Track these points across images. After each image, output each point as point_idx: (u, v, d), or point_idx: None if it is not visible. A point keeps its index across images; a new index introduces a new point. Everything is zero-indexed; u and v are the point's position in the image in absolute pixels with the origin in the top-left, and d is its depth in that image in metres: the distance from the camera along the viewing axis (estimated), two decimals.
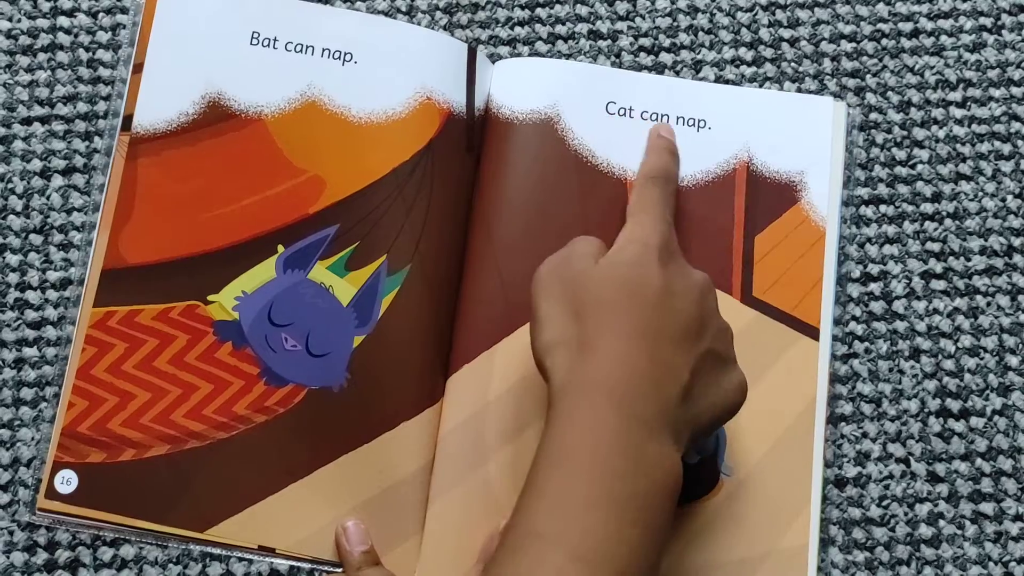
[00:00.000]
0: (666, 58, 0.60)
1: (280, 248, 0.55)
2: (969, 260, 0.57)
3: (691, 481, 0.50)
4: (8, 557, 0.53)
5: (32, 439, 0.54)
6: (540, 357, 0.47)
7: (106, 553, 0.53)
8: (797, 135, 0.58)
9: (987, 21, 0.61)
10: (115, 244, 0.55)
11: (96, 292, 0.54)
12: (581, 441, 0.44)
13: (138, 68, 0.57)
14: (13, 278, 0.57)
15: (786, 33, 0.61)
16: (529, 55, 0.60)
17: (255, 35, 0.57)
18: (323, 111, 0.57)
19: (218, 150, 0.56)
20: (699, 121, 0.58)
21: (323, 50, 0.57)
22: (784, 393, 0.54)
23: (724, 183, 0.57)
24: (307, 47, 0.57)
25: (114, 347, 0.54)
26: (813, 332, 0.55)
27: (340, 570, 0.52)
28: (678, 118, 0.58)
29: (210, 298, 0.55)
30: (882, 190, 0.58)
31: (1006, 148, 0.59)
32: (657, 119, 0.58)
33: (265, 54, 0.57)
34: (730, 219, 0.57)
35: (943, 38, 0.61)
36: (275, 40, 0.57)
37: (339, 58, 0.57)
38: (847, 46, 0.60)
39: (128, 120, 0.57)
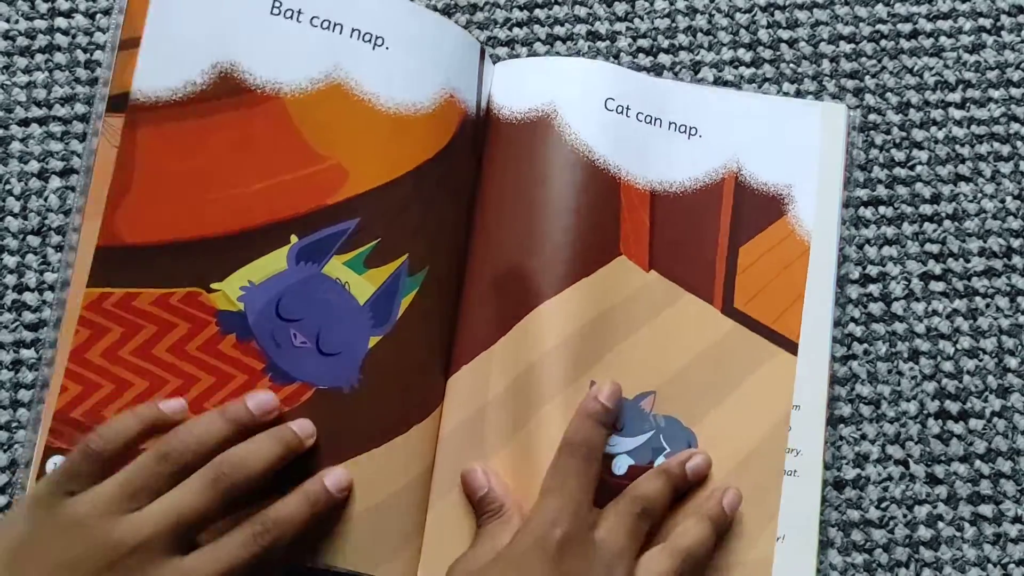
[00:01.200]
0: (664, 59, 0.60)
1: (293, 238, 0.52)
2: (968, 262, 0.57)
3: None
4: None
5: (30, 441, 0.54)
6: None
7: None
8: (787, 147, 0.58)
9: (986, 22, 0.61)
10: (111, 221, 0.51)
11: (90, 271, 0.51)
12: None
13: (135, 43, 0.52)
14: (10, 280, 0.57)
15: (785, 34, 0.61)
16: (528, 56, 0.60)
17: (276, 4, 0.52)
18: (350, 96, 0.53)
19: (228, 126, 0.52)
20: (690, 128, 0.58)
21: (353, 30, 0.53)
22: (758, 406, 0.54)
23: (712, 191, 0.57)
24: (335, 24, 0.53)
25: (110, 331, 0.51)
26: (791, 347, 0.55)
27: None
28: (670, 123, 0.58)
29: (214, 286, 0.51)
30: (881, 191, 0.58)
31: (1005, 149, 0.59)
32: (651, 122, 0.57)
33: (288, 26, 0.52)
34: (716, 228, 0.57)
35: (942, 39, 0.61)
36: (300, 12, 0.52)
37: (369, 41, 0.53)
38: (846, 47, 0.60)
39: (118, 99, 0.52)
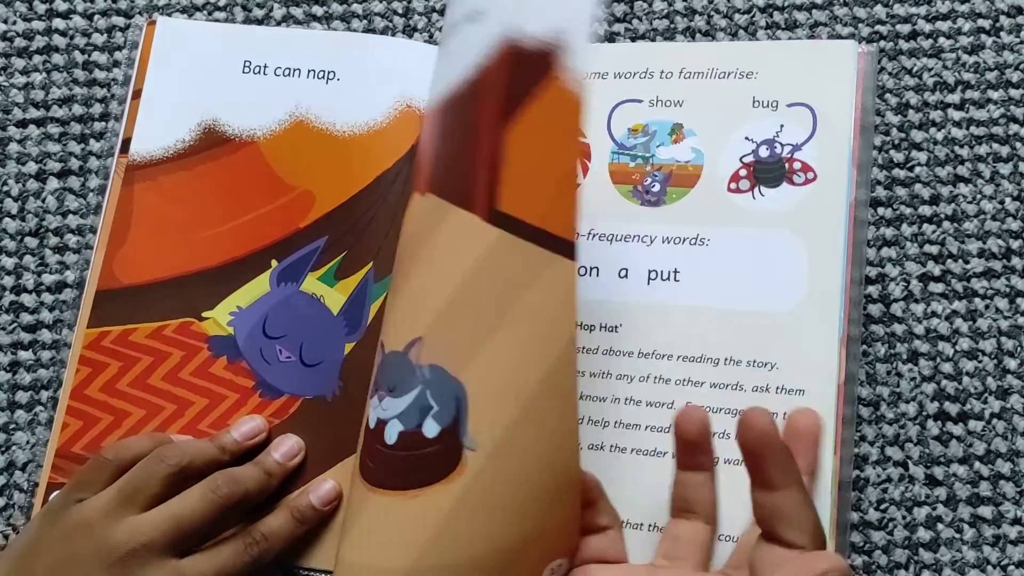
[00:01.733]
0: None
1: (273, 263, 0.56)
2: (967, 263, 0.57)
3: (426, 462, 0.42)
4: None
5: (27, 443, 0.54)
6: None
7: None
8: None
9: (985, 23, 0.61)
10: (109, 266, 0.56)
11: (90, 313, 0.55)
12: None
13: (137, 94, 0.58)
14: (8, 281, 0.57)
15: (783, 35, 0.61)
16: None
17: (247, 64, 0.59)
18: (310, 129, 0.58)
19: (214, 173, 0.57)
20: (478, 14, 0.44)
21: (308, 71, 0.59)
22: (536, 333, 0.42)
23: (486, 75, 0.43)
24: (294, 70, 0.59)
25: (108, 366, 0.55)
26: (567, 248, 0.41)
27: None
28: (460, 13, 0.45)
29: (204, 314, 0.55)
30: (880, 192, 0.58)
31: (1004, 150, 0.59)
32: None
33: (256, 80, 0.59)
34: (481, 116, 0.43)
35: (941, 40, 0.60)
36: (265, 67, 0.59)
37: (323, 77, 0.59)
38: None
39: (127, 143, 0.58)
